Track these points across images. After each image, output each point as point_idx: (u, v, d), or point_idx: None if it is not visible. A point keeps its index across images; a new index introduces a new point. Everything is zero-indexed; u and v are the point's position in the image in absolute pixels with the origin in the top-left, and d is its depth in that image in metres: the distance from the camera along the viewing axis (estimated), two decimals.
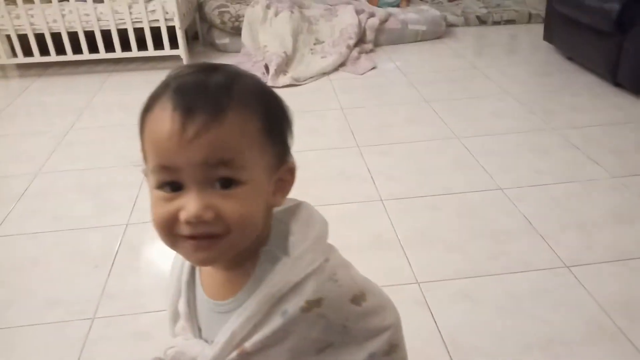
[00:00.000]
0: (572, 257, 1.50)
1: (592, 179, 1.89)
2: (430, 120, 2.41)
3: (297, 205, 0.61)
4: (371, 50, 3.34)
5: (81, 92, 2.90)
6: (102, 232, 1.71)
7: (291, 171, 0.57)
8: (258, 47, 3.25)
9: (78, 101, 2.77)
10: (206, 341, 0.60)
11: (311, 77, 2.94)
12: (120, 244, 1.64)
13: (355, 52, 3.19)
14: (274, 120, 0.54)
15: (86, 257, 1.60)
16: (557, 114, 2.41)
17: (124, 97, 2.82)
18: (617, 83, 2.61)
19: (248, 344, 0.54)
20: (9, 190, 1.97)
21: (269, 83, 2.84)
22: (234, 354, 0.55)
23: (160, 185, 0.51)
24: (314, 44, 3.25)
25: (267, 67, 2.98)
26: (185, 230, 0.50)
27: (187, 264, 0.62)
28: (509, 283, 1.43)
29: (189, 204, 0.49)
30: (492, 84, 2.78)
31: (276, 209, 0.59)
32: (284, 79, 2.86)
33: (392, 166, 2.03)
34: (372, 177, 1.96)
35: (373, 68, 3.06)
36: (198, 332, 0.61)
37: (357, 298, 0.58)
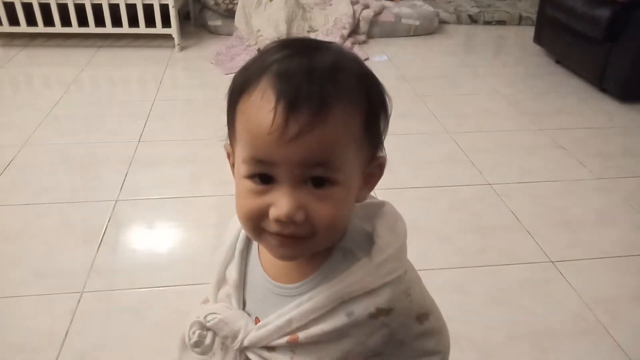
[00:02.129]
0: (557, 253, 1.54)
1: (578, 179, 1.94)
2: (422, 114, 2.43)
3: (381, 205, 0.59)
4: (364, 42, 3.34)
5: (69, 66, 2.83)
6: (91, 207, 1.69)
7: (381, 166, 0.54)
8: (251, 31, 3.22)
9: (65, 74, 2.71)
10: (249, 315, 0.58)
11: None
12: (109, 219, 1.62)
13: (348, 42, 3.19)
14: (374, 112, 0.50)
15: (74, 232, 1.57)
16: (545, 115, 2.46)
17: (113, 73, 2.77)
18: (603, 88, 2.68)
19: (302, 334, 0.52)
20: None
21: None
22: (284, 340, 0.53)
23: (251, 176, 0.48)
24: (308, 32, 3.24)
25: (259, 52, 2.95)
26: (273, 227, 0.48)
27: (244, 233, 0.59)
28: (496, 275, 1.46)
29: (281, 202, 0.46)
30: (482, 83, 2.82)
31: (364, 208, 0.57)
32: None
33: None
34: None
35: (366, 59, 3.07)
36: (243, 303, 0.59)
37: (422, 317, 0.56)
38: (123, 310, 1.30)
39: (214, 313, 0.57)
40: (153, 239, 1.58)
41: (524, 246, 1.58)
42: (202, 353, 0.58)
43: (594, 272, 1.48)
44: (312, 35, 3.21)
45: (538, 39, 3.20)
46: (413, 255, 1.66)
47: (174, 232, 1.60)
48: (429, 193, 1.83)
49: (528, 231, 1.64)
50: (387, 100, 0.52)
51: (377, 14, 3.46)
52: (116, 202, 1.71)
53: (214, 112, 2.36)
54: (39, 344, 1.20)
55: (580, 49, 2.76)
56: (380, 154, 0.54)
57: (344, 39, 3.19)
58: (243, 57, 2.96)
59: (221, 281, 0.61)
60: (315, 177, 0.47)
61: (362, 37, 3.35)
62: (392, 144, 2.29)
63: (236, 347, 0.55)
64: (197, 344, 0.57)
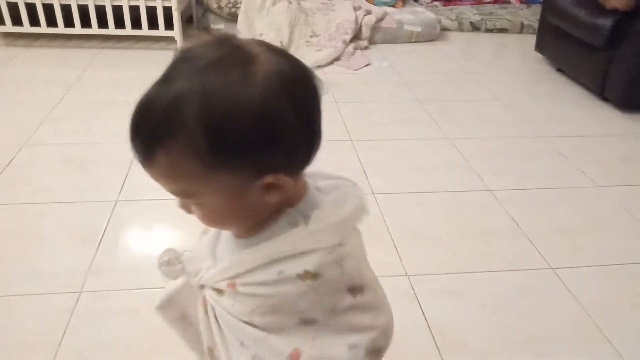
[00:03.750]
0: (557, 260, 1.54)
1: (577, 186, 1.94)
2: (422, 119, 2.43)
3: (340, 184, 0.62)
4: (366, 47, 3.35)
5: (70, 67, 2.84)
6: (90, 208, 1.69)
7: (274, 184, 0.52)
8: (253, 34, 3.23)
9: (67, 75, 2.71)
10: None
11: None
12: (109, 220, 1.62)
13: (350, 48, 3.20)
14: (229, 141, 0.48)
15: (73, 231, 1.57)
16: (545, 122, 2.46)
17: (115, 75, 2.78)
18: (604, 97, 2.68)
19: (238, 281, 0.57)
20: None
21: None
22: (224, 283, 0.58)
23: None
24: (310, 36, 3.25)
25: None
26: None
27: None
28: (495, 281, 1.46)
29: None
30: (483, 90, 2.83)
31: (324, 180, 0.62)
32: None
33: (384, 162, 2.05)
34: (364, 171, 1.97)
35: (367, 65, 3.08)
36: (213, 253, 0.65)
37: (355, 290, 0.58)
38: (121, 310, 1.30)
39: (189, 250, 0.66)
40: (152, 240, 1.58)
41: (523, 252, 1.57)
42: (167, 275, 0.65)
43: (593, 278, 1.48)
44: (314, 41, 3.23)
45: (539, 46, 3.21)
46: (411, 259, 1.66)
47: (173, 233, 1.60)
48: (429, 198, 1.83)
49: (527, 237, 1.64)
50: (264, 127, 0.49)
51: (379, 20, 3.47)
52: (116, 202, 1.71)
53: None
54: (36, 343, 1.20)
55: (582, 57, 2.77)
56: (274, 174, 0.52)
57: (346, 44, 3.20)
58: None
59: (207, 228, 0.68)
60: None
61: (364, 43, 3.36)
62: (393, 148, 2.30)
63: (195, 282, 0.62)
64: (166, 264, 0.64)
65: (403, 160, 2.06)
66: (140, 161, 0.51)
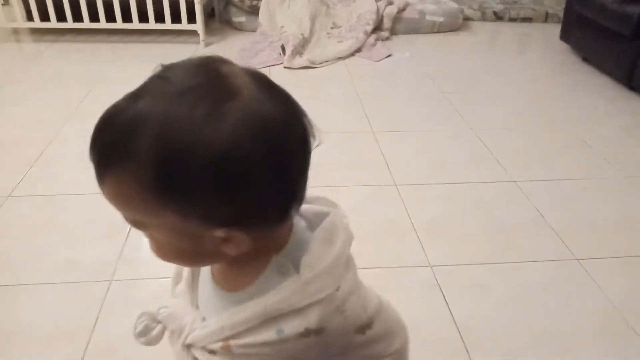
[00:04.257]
0: (583, 252, 1.52)
1: (604, 177, 1.91)
2: (445, 111, 2.42)
3: (323, 211, 0.56)
4: (387, 38, 3.33)
5: (96, 61, 2.89)
6: None
7: (235, 239, 0.47)
8: (275, 27, 3.24)
9: (93, 70, 2.76)
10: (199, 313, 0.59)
11: (327, 61, 2.94)
12: None
13: (371, 39, 3.19)
14: (177, 182, 0.43)
15: (100, 223, 1.61)
16: (571, 113, 2.42)
17: (139, 70, 2.81)
18: (632, 87, 2.62)
19: (233, 343, 0.52)
20: (24, 155, 1.97)
21: (285, 64, 2.85)
22: (218, 345, 0.53)
23: None
24: (331, 28, 3.25)
25: (283, 48, 2.97)
26: None
27: None
28: (520, 273, 1.45)
29: None
30: (507, 80, 2.79)
31: (308, 210, 0.56)
32: (299, 61, 2.86)
33: (407, 153, 2.04)
34: (387, 163, 1.97)
35: (389, 56, 3.06)
36: (197, 301, 0.60)
37: (363, 328, 0.55)
38: (149, 298, 1.33)
39: (167, 307, 0.58)
40: None
41: (549, 244, 1.56)
42: (147, 343, 0.58)
43: (620, 271, 1.46)
44: (336, 32, 3.22)
45: (565, 36, 3.15)
46: (434, 251, 1.66)
47: None
48: (452, 190, 1.82)
49: (553, 229, 1.62)
50: (220, 170, 0.42)
51: (401, 10, 3.45)
52: None
53: None
54: (69, 331, 1.24)
55: (609, 47, 2.71)
56: (226, 229, 0.46)
57: (368, 35, 3.18)
58: (267, 54, 2.99)
59: (178, 276, 0.63)
60: None
61: (385, 34, 3.34)
62: (415, 140, 2.29)
63: (180, 343, 0.56)
64: (142, 334, 0.58)
65: (426, 152, 2.06)
66: (97, 174, 0.47)
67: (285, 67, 2.83)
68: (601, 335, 1.26)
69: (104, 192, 0.47)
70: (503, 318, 1.31)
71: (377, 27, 3.34)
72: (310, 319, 0.49)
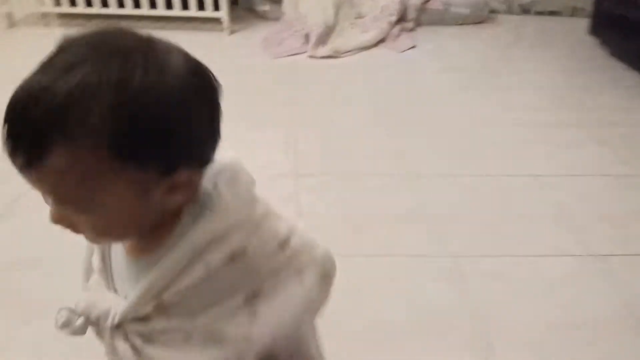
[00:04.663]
0: (602, 247, 1.52)
1: (625, 174, 1.89)
2: (467, 104, 2.40)
3: (224, 164, 0.58)
4: (412, 29, 3.31)
5: None
6: None
7: (188, 180, 0.50)
8: (299, 16, 3.24)
9: None
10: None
11: (350, 51, 2.94)
12: None
13: (395, 30, 3.18)
14: (133, 140, 0.44)
15: None
16: (595, 110, 2.38)
17: None
18: None
19: (166, 295, 0.51)
20: None
21: (309, 53, 2.86)
22: (150, 306, 0.52)
23: None
24: (355, 18, 3.24)
25: (307, 37, 2.98)
26: None
27: None
28: (539, 266, 1.45)
29: (50, 212, 0.49)
30: (531, 75, 2.76)
31: (211, 170, 0.56)
32: (323, 50, 2.87)
33: (428, 144, 2.04)
34: (406, 153, 1.97)
35: (413, 47, 3.05)
36: (113, 289, 0.59)
37: (284, 243, 0.56)
38: None
39: (83, 300, 0.57)
40: None
41: (567, 238, 1.55)
42: (73, 333, 0.56)
43: (638, 267, 1.45)
44: (359, 22, 3.21)
45: (593, 31, 3.09)
46: (454, 241, 1.66)
47: None
48: (472, 181, 1.82)
49: (573, 224, 1.61)
50: (173, 117, 0.46)
51: (426, 1, 3.42)
52: None
53: (259, 96, 2.41)
54: None
55: (639, 42, 2.66)
56: (186, 168, 0.49)
57: (392, 25, 3.17)
58: (290, 42, 3.00)
59: (88, 271, 0.61)
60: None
61: (409, 25, 3.32)
62: (435, 131, 2.29)
63: (109, 324, 0.54)
64: (65, 324, 0.55)
65: (447, 143, 2.05)
66: (22, 162, 0.43)
67: (309, 57, 2.84)
68: (619, 330, 1.26)
69: (41, 176, 0.44)
70: (520, 309, 1.31)
71: (402, 18, 3.32)
72: (232, 242, 0.52)
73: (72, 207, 0.47)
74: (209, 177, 0.55)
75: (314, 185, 1.75)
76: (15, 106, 0.43)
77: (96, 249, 0.60)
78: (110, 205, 0.47)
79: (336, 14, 3.18)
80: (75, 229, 0.50)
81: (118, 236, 0.53)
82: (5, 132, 0.43)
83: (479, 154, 1.99)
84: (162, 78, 0.45)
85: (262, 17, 3.48)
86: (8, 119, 0.43)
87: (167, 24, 3.26)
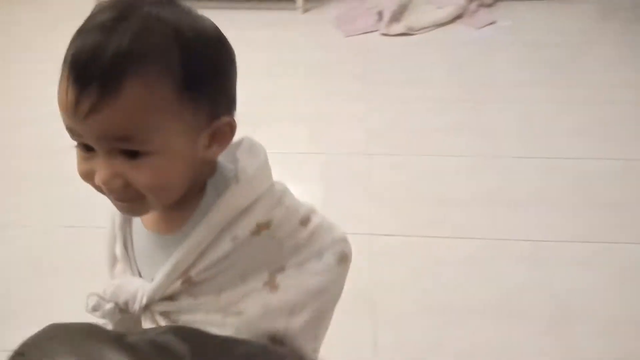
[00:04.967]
0: None
1: None
2: (548, 83, 2.28)
3: (238, 140, 0.59)
4: (490, 4, 3.17)
5: None
6: None
7: (229, 125, 0.53)
8: None
9: None
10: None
11: (425, 27, 2.86)
12: None
13: (473, 5, 3.05)
14: (197, 74, 0.48)
15: None
16: None
17: (239, 33, 2.90)
18: None
19: (194, 272, 0.52)
20: None
21: (382, 30, 2.81)
22: (178, 283, 0.53)
23: (76, 144, 0.50)
24: None
25: (380, 14, 2.93)
26: (104, 190, 0.49)
27: None
28: (624, 253, 1.37)
29: (98, 171, 0.48)
30: (621, 52, 2.56)
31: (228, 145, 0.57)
32: (397, 27, 2.81)
33: (507, 125, 1.97)
34: (485, 133, 1.91)
35: (492, 23, 2.92)
36: (138, 274, 0.59)
37: (305, 219, 0.58)
38: None
39: (112, 284, 0.57)
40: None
41: None
42: (103, 316, 0.56)
43: None
44: None
45: None
46: (535, 225, 1.60)
47: (291, 186, 1.68)
48: (553, 164, 1.74)
49: None
50: (223, 61, 0.51)
51: None
52: None
53: (332, 73, 2.41)
54: None
55: None
56: (228, 115, 0.52)
57: (469, 1, 3.05)
58: (364, 20, 2.96)
59: (112, 260, 0.61)
60: (125, 150, 0.47)
61: (488, 0, 3.17)
62: (514, 111, 2.19)
63: (137, 307, 0.54)
64: (95, 308, 0.56)
65: (527, 124, 1.97)
66: (93, 101, 0.44)
67: (382, 34, 2.79)
68: None
69: (109, 114, 0.44)
70: (604, 297, 1.25)
71: None
72: (257, 214, 0.53)
73: (138, 141, 0.46)
74: (228, 152, 0.56)
75: (387, 163, 1.74)
76: (80, 56, 0.44)
77: (118, 236, 0.60)
78: (169, 146, 0.48)
79: None
80: (126, 187, 0.48)
81: (168, 190, 0.51)
82: (70, 80, 0.44)
83: (562, 136, 1.89)
84: (207, 25, 0.50)
85: None
86: (74, 67, 0.44)
87: (241, 3, 3.32)
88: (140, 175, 0.48)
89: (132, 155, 0.47)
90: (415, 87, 2.26)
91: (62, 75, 0.46)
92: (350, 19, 3.01)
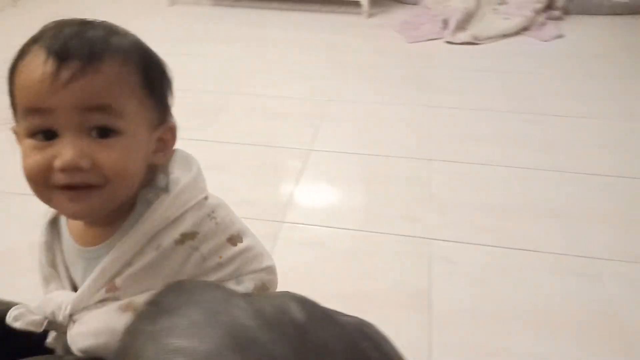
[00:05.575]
0: None
1: None
2: (615, 100, 2.23)
3: (172, 152, 0.60)
4: (559, 18, 3.12)
5: (268, 27, 3.11)
6: (286, 153, 1.89)
7: (172, 130, 0.58)
8: (438, 0, 3.20)
9: (265, 35, 2.99)
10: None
11: (491, 38, 2.85)
12: (304, 164, 1.80)
13: (541, 17, 3.01)
14: (153, 77, 0.55)
15: (272, 170, 1.78)
16: None
17: (305, 36, 2.98)
18: None
19: (118, 280, 0.53)
20: (206, 105, 2.23)
21: (447, 38, 2.82)
22: (102, 291, 0.53)
23: (32, 134, 0.49)
24: (498, 4, 3.13)
25: (445, 22, 2.94)
26: (60, 179, 0.48)
27: (45, 224, 0.61)
28: None
29: (64, 151, 0.47)
30: None
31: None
32: (462, 36, 2.81)
33: (570, 139, 1.94)
34: (544, 146, 1.90)
35: (559, 36, 2.88)
36: (73, 288, 0.59)
37: (234, 238, 0.58)
38: (312, 242, 1.46)
39: (38, 300, 0.57)
40: (337, 187, 1.73)
41: None
42: (25, 326, 0.55)
43: None
44: (502, 9, 3.09)
45: None
46: (590, 242, 1.58)
47: (351, 185, 1.73)
48: (616, 182, 1.70)
49: None
50: (167, 71, 0.57)
51: None
52: (309, 151, 1.88)
53: (393, 78, 2.44)
54: None
55: None
56: (171, 120, 0.58)
57: (537, 13, 3.01)
58: (428, 27, 2.98)
59: (47, 278, 0.61)
60: (98, 126, 0.49)
61: (557, 13, 3.13)
62: (577, 128, 2.15)
63: (61, 316, 0.54)
64: (17, 318, 0.54)
65: (589, 139, 1.94)
66: (74, 70, 0.47)
67: (446, 42, 2.80)
68: None
69: (87, 84, 0.47)
70: None
71: (549, 6, 3.13)
72: (184, 224, 0.54)
73: (114, 112, 0.49)
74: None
75: (446, 170, 1.76)
76: (61, 37, 0.49)
77: (45, 255, 0.60)
78: (136, 130, 0.52)
79: None
80: (91, 170, 0.49)
81: (129, 179, 0.52)
82: (51, 53, 0.48)
83: (626, 153, 1.85)
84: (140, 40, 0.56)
85: (401, 1, 3.49)
86: (55, 42, 0.48)
87: (309, 5, 3.40)
88: (110, 154, 0.49)
89: (103, 134, 0.49)
90: (477, 95, 2.26)
91: (30, 53, 0.49)
92: (415, 25, 3.03)
